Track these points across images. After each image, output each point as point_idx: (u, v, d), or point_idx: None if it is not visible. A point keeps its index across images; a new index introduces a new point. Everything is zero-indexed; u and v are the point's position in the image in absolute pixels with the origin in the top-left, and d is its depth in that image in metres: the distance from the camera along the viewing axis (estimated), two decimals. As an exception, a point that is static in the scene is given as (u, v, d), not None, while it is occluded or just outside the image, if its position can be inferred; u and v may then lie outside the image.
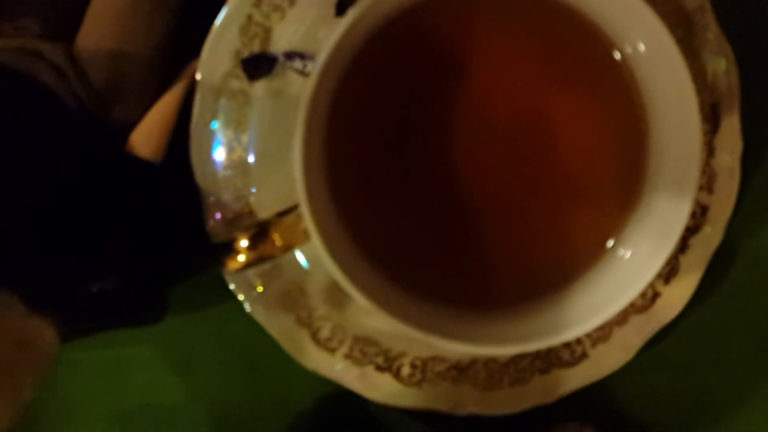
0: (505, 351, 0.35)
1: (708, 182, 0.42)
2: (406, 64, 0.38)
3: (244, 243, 0.35)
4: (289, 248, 0.36)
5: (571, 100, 0.37)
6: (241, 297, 0.42)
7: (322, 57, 0.34)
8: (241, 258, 0.35)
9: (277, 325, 0.42)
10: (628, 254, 0.36)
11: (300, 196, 0.34)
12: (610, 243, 0.37)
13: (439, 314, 0.36)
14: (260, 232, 0.35)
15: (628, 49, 0.35)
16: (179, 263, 0.43)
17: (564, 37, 0.36)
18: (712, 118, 0.42)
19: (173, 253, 0.42)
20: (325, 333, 0.43)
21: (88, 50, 0.39)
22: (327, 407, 0.45)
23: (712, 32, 0.41)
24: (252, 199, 0.42)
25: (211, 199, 0.41)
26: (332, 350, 0.43)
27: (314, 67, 0.34)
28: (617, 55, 0.36)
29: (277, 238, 0.35)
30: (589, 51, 0.36)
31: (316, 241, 0.33)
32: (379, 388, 0.43)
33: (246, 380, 0.46)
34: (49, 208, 0.36)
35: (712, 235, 0.42)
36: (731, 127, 0.41)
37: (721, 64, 0.41)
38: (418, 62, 0.38)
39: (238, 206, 0.42)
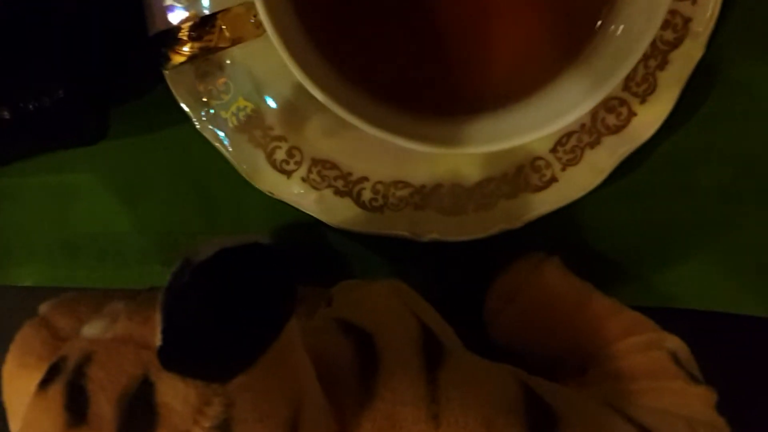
0: (481, 149, 0.33)
1: (690, -7, 0.39)
2: None
3: (188, 33, 0.32)
4: (237, 41, 0.32)
5: None
6: (190, 114, 0.39)
7: None
8: (186, 49, 0.32)
9: (231, 146, 0.40)
10: (617, 31, 0.34)
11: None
12: (598, 23, 0.35)
13: (403, 118, 0.33)
14: (206, 20, 0.31)
15: None
16: (124, 77, 0.40)
17: None
18: None
19: (117, 61, 0.39)
20: (280, 155, 0.40)
21: None
22: (284, 235, 0.43)
23: None
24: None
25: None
26: (289, 173, 0.40)
27: None
28: None
29: (225, 29, 0.32)
30: None
31: (268, 28, 0.30)
32: (338, 212, 0.41)
33: (197, 207, 0.43)
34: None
35: (692, 50, 0.39)
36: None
37: None
38: None
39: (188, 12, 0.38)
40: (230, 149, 0.40)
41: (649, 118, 0.40)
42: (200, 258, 0.21)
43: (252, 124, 0.40)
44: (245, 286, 0.22)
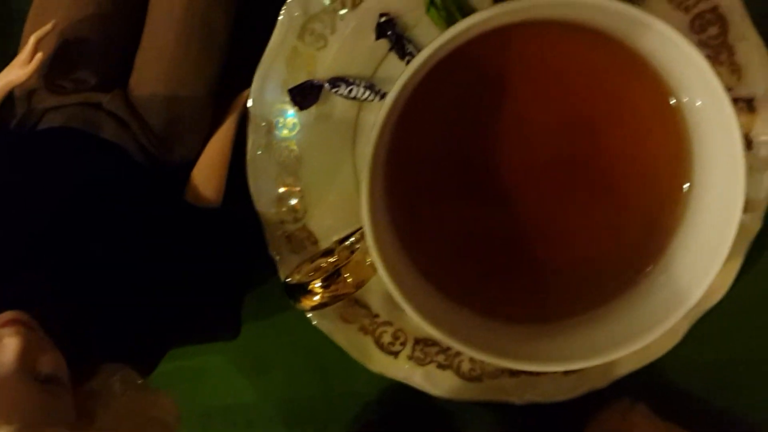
0: (556, 368, 0.38)
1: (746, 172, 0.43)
2: (461, 95, 0.39)
3: (318, 284, 0.37)
4: (361, 285, 0.38)
5: (622, 132, 0.38)
6: (308, 313, 0.44)
7: (389, 97, 0.34)
8: (317, 298, 0.37)
9: (343, 335, 0.45)
10: (672, 275, 0.38)
11: (367, 237, 0.36)
12: (649, 268, 0.39)
13: (496, 331, 0.38)
14: (333, 273, 0.37)
15: (684, 99, 0.36)
16: (248, 284, 0.46)
17: (622, 75, 0.37)
18: (748, 111, 0.42)
19: (243, 279, 0.45)
20: (387, 338, 0.45)
21: (144, 98, 0.41)
22: (393, 399, 0.48)
23: (746, 29, 0.41)
24: (308, 222, 0.44)
25: (272, 226, 0.44)
26: (396, 353, 0.46)
27: (380, 114, 0.34)
28: (672, 101, 0.37)
29: (348, 277, 0.37)
30: (645, 92, 0.37)
31: (383, 276, 0.35)
32: (443, 384, 0.46)
33: (315, 379, 0.49)
34: (129, 262, 0.38)
35: (750, 224, 0.43)
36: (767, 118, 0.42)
37: (753, 59, 0.42)
38: (471, 93, 0.39)
39: (296, 228, 0.44)
40: (343, 340, 0.45)
41: (717, 285, 0.44)
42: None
43: (361, 314, 0.45)
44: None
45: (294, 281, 0.37)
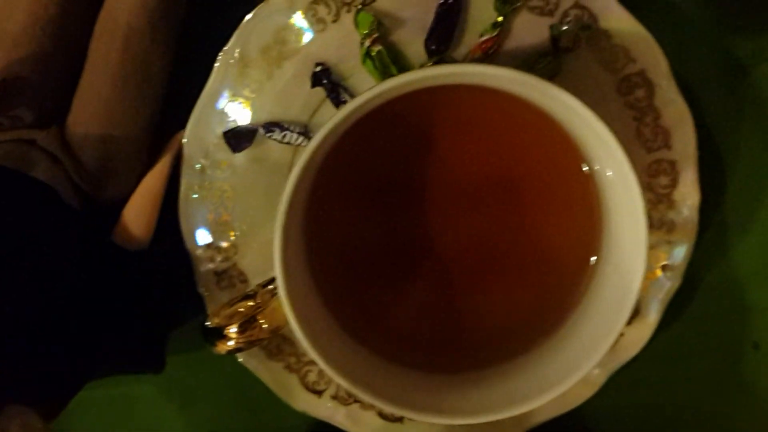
0: (470, 421, 0.39)
1: (668, 233, 0.44)
2: (386, 148, 0.40)
3: (233, 329, 0.38)
4: (276, 330, 0.39)
5: (539, 196, 0.39)
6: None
7: (311, 144, 0.35)
8: (231, 343, 0.38)
9: (268, 372, 0.46)
10: (576, 338, 0.39)
11: (279, 283, 0.37)
12: (558, 327, 0.40)
13: (409, 382, 0.39)
14: (248, 319, 0.38)
15: (596, 167, 0.37)
16: (178, 318, 0.47)
17: (542, 139, 0.39)
18: (671, 173, 0.44)
19: (168, 316, 0.45)
20: (312, 377, 0.46)
21: (78, 135, 0.41)
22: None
23: (672, 93, 0.43)
24: (239, 261, 0.45)
25: (201, 264, 0.44)
26: (320, 392, 0.47)
27: (302, 156, 0.35)
28: (585, 168, 0.38)
29: (263, 323, 0.38)
30: (562, 157, 0.38)
31: (292, 324, 0.37)
32: (365, 424, 0.47)
33: (243, 413, 0.50)
34: (48, 304, 0.39)
35: (671, 280, 0.45)
36: (689, 180, 0.44)
37: (678, 124, 0.43)
38: (396, 146, 0.40)
39: (226, 267, 0.45)
40: (269, 378, 0.46)
41: (635, 338, 0.45)
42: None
43: (288, 351, 0.46)
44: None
45: (212, 325, 0.38)
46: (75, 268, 0.39)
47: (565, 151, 0.38)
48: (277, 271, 0.36)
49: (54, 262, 0.38)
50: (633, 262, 0.35)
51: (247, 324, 0.38)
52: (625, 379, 0.47)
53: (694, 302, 0.49)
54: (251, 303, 0.39)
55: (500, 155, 0.39)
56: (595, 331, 0.38)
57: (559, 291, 0.40)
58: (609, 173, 0.36)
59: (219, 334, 0.38)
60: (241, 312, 0.38)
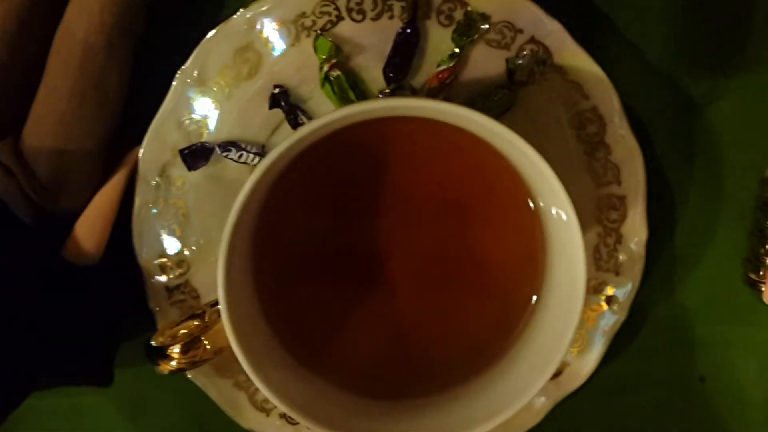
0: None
1: (615, 267, 0.45)
2: (338, 171, 0.41)
3: (176, 349, 0.38)
4: (220, 352, 0.39)
5: (486, 229, 0.40)
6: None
7: (262, 164, 0.35)
8: (174, 363, 0.38)
9: (216, 389, 0.46)
10: (516, 370, 0.40)
11: (221, 304, 0.37)
12: (499, 358, 0.41)
13: (353, 407, 0.40)
14: (192, 340, 0.38)
15: (541, 204, 0.38)
16: (128, 331, 0.47)
17: (492, 172, 0.39)
18: (621, 208, 0.44)
19: (117, 331, 0.45)
20: (261, 395, 0.47)
21: (33, 148, 0.42)
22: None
23: (623, 130, 0.43)
24: (192, 278, 0.45)
25: (153, 279, 0.45)
26: (268, 411, 0.47)
27: (251, 176, 0.36)
28: (531, 204, 0.39)
29: (207, 344, 0.38)
30: (507, 190, 0.39)
31: (234, 348, 0.37)
32: (312, 444, 0.47)
33: (191, 426, 0.50)
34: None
35: (617, 314, 0.45)
36: (638, 216, 0.44)
37: (628, 160, 0.44)
38: (348, 170, 0.41)
39: (178, 283, 0.45)
40: (217, 394, 0.46)
41: (580, 368, 0.46)
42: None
43: (237, 369, 0.46)
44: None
45: (156, 344, 0.39)
46: (22, 281, 0.39)
47: (512, 185, 0.38)
48: (220, 292, 0.37)
49: (0, 274, 0.39)
50: (573, 298, 0.36)
51: (190, 344, 0.38)
52: (570, 409, 0.48)
53: (640, 335, 0.49)
54: (197, 323, 0.39)
55: (449, 185, 0.40)
56: (538, 360, 0.39)
57: (502, 320, 0.41)
58: (553, 210, 0.37)
59: (162, 353, 0.38)
60: (187, 332, 0.38)
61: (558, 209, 0.36)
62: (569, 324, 0.36)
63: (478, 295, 0.41)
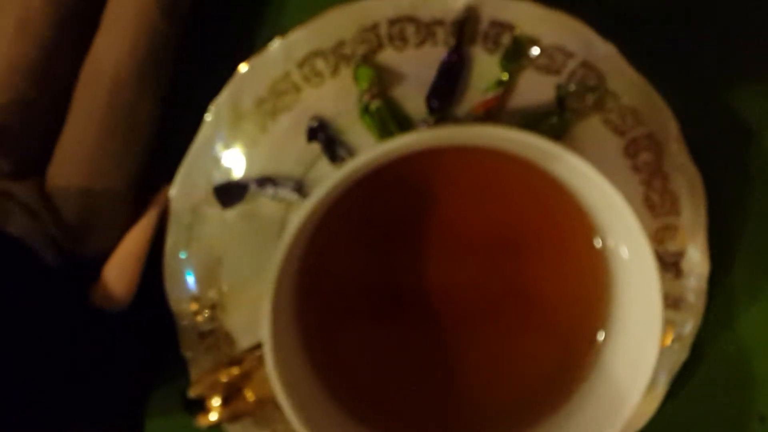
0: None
1: (675, 302, 0.43)
2: (385, 207, 0.38)
3: (216, 402, 0.36)
4: (262, 403, 0.36)
5: (545, 268, 0.38)
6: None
7: (306, 205, 0.33)
8: (214, 417, 0.36)
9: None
10: (583, 416, 0.37)
11: (266, 353, 0.34)
12: (562, 404, 0.38)
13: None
14: (233, 391, 0.35)
15: (610, 242, 0.36)
16: (158, 380, 0.44)
17: (552, 208, 0.37)
18: (680, 240, 0.42)
19: (147, 379, 0.43)
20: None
21: (59, 188, 0.39)
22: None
23: (682, 157, 0.41)
24: (226, 321, 0.43)
25: (185, 323, 0.42)
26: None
27: (296, 218, 0.33)
28: (598, 243, 0.36)
29: (249, 394, 0.36)
30: (572, 228, 0.36)
31: (282, 401, 0.34)
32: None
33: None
34: (23, 365, 0.36)
35: (678, 352, 0.43)
36: (699, 249, 0.42)
37: (689, 188, 0.41)
38: (395, 206, 0.38)
39: (211, 328, 0.43)
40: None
41: (642, 410, 0.43)
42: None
43: (276, 418, 0.43)
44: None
45: (193, 395, 0.36)
46: (48, 329, 0.37)
47: (578, 221, 0.36)
48: (266, 339, 0.34)
49: (26, 321, 0.36)
50: (645, 342, 0.33)
51: (231, 395, 0.35)
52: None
53: (699, 373, 0.46)
54: (237, 370, 0.37)
55: (505, 219, 0.38)
56: (605, 409, 0.36)
57: (564, 364, 0.38)
58: (624, 250, 0.34)
59: (200, 405, 0.35)
60: (225, 382, 0.36)
61: (628, 246, 0.34)
62: (644, 367, 0.33)
63: (538, 336, 0.39)
